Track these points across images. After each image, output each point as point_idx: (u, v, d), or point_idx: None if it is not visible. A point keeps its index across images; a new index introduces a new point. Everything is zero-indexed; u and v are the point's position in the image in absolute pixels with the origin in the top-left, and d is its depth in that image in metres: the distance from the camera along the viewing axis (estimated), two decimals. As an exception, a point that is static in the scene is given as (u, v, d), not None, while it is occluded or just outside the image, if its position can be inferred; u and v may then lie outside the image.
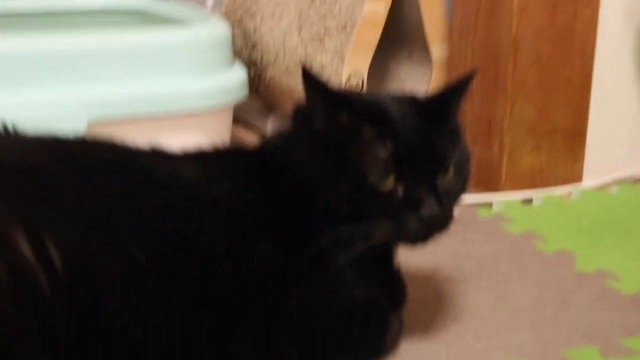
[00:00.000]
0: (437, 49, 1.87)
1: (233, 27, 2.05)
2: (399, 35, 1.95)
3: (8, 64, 1.52)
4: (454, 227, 1.54)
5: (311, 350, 1.02)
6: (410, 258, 1.39)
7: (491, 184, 1.76)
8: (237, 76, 1.78)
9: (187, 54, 1.69)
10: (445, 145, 1.03)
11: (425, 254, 1.42)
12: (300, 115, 1.08)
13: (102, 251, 0.90)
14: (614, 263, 1.42)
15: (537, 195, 1.73)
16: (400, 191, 1.01)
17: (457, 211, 1.63)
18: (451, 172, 1.04)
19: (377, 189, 1.00)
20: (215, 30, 1.76)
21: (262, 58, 2.01)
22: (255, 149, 1.12)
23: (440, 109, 1.06)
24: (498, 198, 1.71)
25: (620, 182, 1.83)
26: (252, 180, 1.05)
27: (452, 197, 1.05)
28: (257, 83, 2.03)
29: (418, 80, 1.94)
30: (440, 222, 1.03)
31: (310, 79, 1.00)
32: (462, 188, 1.06)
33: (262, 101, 2.09)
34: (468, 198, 1.70)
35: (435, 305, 1.27)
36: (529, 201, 1.72)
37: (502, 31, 1.70)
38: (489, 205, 1.69)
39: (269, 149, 1.10)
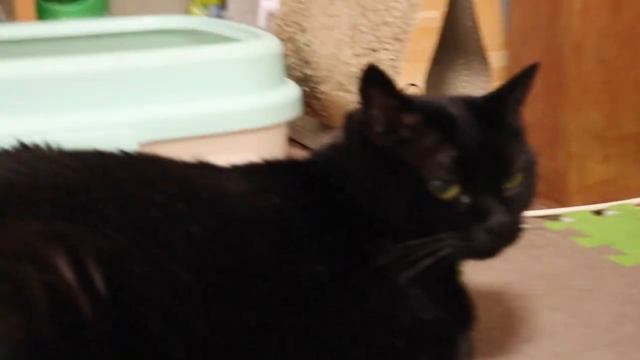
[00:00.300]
0: (496, 57, 1.78)
1: (285, 43, 1.99)
2: (455, 44, 1.87)
3: (59, 85, 1.49)
4: (522, 242, 1.47)
5: (374, 376, 0.94)
6: (477, 276, 1.30)
7: (559, 197, 1.66)
8: (289, 93, 1.73)
9: (238, 71, 1.64)
10: (511, 149, 0.95)
11: (494, 270, 1.35)
12: (353, 123, 1.01)
13: (144, 271, 0.84)
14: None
15: (610, 206, 1.63)
16: (465, 200, 0.93)
17: (525, 225, 1.55)
18: (518, 178, 0.96)
19: (440, 199, 0.93)
20: (266, 46, 1.71)
21: (315, 74, 1.95)
22: (306, 161, 1.05)
23: (499, 109, 0.98)
24: (567, 211, 1.61)
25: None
26: (303, 194, 0.98)
27: (521, 205, 0.97)
28: (312, 100, 1.97)
29: (476, 90, 1.85)
30: (509, 233, 0.95)
31: (377, 77, 0.93)
32: (530, 195, 0.98)
33: (317, 119, 2.03)
34: (535, 212, 1.61)
35: (507, 325, 1.18)
36: (600, 213, 1.62)
37: (564, 33, 1.61)
38: (558, 218, 1.59)
39: (320, 160, 1.03)
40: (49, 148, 0.96)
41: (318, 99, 1.95)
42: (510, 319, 1.20)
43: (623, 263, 1.38)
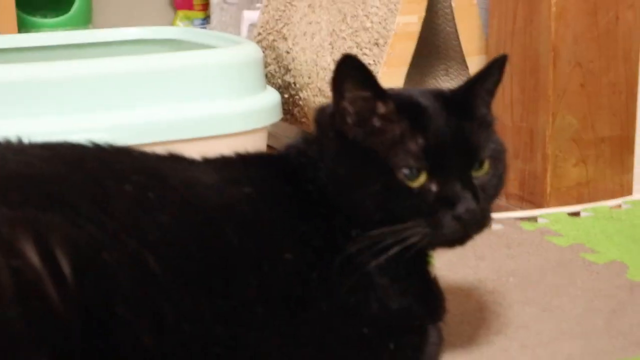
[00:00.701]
0: (475, 62, 1.80)
1: (266, 51, 2.01)
2: (434, 50, 1.89)
3: (36, 90, 1.50)
4: (497, 241, 1.49)
5: (343, 362, 0.95)
6: (451, 273, 1.32)
7: (535, 199, 1.68)
8: (269, 99, 1.74)
9: (218, 76, 1.66)
10: (479, 138, 0.97)
11: (467, 268, 1.37)
12: (324, 116, 1.02)
13: (114, 259, 0.85)
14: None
15: (585, 208, 1.65)
16: (433, 188, 0.94)
17: (500, 226, 1.56)
18: (486, 166, 0.97)
19: (409, 187, 0.94)
20: (246, 52, 1.72)
21: (295, 81, 1.97)
22: (277, 153, 1.07)
23: (469, 100, 0.99)
24: (543, 212, 1.63)
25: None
26: (274, 185, 0.99)
27: (489, 193, 0.98)
28: (292, 106, 1.98)
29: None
30: (478, 220, 0.95)
31: (354, 67, 0.94)
32: (499, 183, 0.99)
33: (297, 126, 2.05)
34: (511, 213, 1.63)
35: (478, 319, 1.19)
36: (576, 214, 1.64)
37: (541, 37, 1.63)
38: (534, 219, 1.61)
39: (291, 152, 1.04)
40: (20, 141, 0.96)
41: (298, 105, 1.97)
42: (481, 313, 1.21)
43: (595, 261, 1.40)
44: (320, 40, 1.89)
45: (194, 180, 0.96)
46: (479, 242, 1.45)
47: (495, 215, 1.55)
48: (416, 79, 1.88)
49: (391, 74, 1.74)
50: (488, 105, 1.02)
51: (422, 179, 0.94)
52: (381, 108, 0.96)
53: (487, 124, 1.00)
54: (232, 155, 1.05)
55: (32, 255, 0.81)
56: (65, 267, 0.82)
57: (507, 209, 1.67)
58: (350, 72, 0.95)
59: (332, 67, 1.80)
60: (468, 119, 0.98)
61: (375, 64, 1.74)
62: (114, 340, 0.83)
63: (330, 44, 1.86)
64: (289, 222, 0.96)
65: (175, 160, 1.01)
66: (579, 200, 1.68)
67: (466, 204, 0.94)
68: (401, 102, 0.97)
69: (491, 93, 1.02)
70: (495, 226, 1.56)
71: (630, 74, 1.67)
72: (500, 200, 1.65)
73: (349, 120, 0.97)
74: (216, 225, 0.92)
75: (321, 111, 1.04)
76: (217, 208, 0.93)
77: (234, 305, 0.89)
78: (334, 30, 1.85)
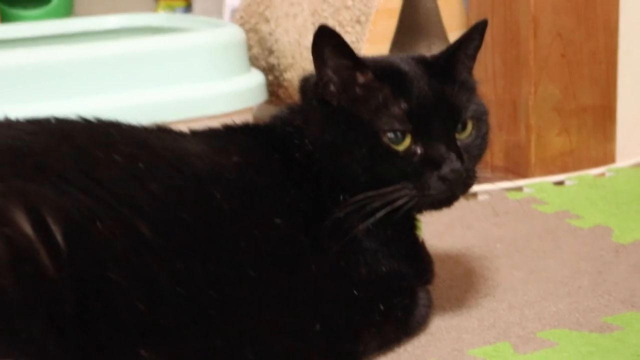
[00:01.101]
0: (457, 37, 1.81)
1: (248, 34, 2.02)
2: (416, 27, 1.90)
3: (18, 77, 1.51)
4: (483, 211, 1.50)
5: (334, 324, 0.96)
6: (439, 241, 1.34)
7: (520, 170, 1.70)
8: (253, 80, 1.75)
9: (202, 58, 1.66)
10: (460, 100, 0.98)
11: (455, 237, 1.38)
12: (308, 85, 1.04)
13: (105, 226, 0.86)
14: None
15: (568, 177, 1.67)
16: (418, 150, 0.96)
17: (486, 196, 1.58)
18: (469, 127, 0.99)
19: (394, 150, 0.96)
20: (228, 34, 1.73)
21: (279, 62, 1.98)
22: (264, 123, 1.08)
23: (450, 65, 1.01)
24: (529, 182, 1.65)
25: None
26: (262, 153, 1.00)
27: (473, 153, 1.00)
28: (277, 88, 1.99)
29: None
30: (463, 180, 0.97)
31: (329, 37, 0.96)
32: (482, 145, 1.01)
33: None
34: (497, 184, 1.64)
35: (467, 283, 1.21)
36: (560, 183, 1.65)
37: (521, 9, 1.64)
38: (519, 189, 1.63)
39: (278, 122, 1.06)
40: (7, 118, 0.97)
41: (283, 87, 1.98)
42: (470, 278, 1.23)
43: (580, 226, 1.41)
44: (303, 20, 1.90)
45: (182, 150, 0.97)
46: (466, 212, 1.49)
47: (481, 186, 1.58)
48: (399, 56, 1.89)
49: (373, 51, 1.74)
50: (470, 69, 1.04)
51: (407, 142, 0.96)
52: (360, 78, 0.98)
53: (468, 87, 1.02)
54: (219, 127, 1.06)
55: (24, 224, 0.82)
56: (58, 235, 0.83)
57: (492, 181, 1.68)
58: (329, 40, 0.97)
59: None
60: (450, 82, 1.00)
61: (358, 42, 1.75)
62: (108, 305, 0.84)
63: (313, 23, 1.87)
64: (278, 188, 0.98)
65: (163, 132, 1.02)
66: (564, 170, 1.70)
67: (451, 165, 0.95)
68: (381, 70, 0.99)
69: (472, 58, 1.04)
70: (481, 197, 1.58)
71: (609, 43, 1.69)
72: (486, 172, 1.66)
73: (333, 88, 0.99)
74: (206, 192, 0.93)
75: (305, 81, 1.06)
76: (206, 176, 0.94)
77: (225, 269, 0.91)
78: (315, 10, 1.86)
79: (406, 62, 1.02)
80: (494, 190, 1.61)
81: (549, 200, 1.55)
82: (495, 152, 1.72)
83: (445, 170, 0.95)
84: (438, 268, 1.15)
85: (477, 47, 1.04)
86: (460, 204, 1.50)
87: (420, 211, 1.03)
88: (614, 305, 1.11)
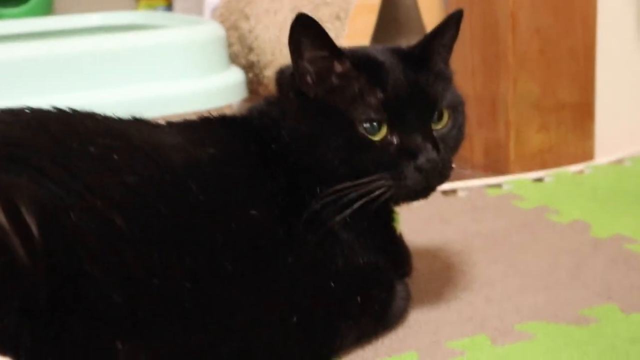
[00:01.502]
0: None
1: (228, 31, 2.01)
2: (395, 24, 1.91)
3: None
4: (462, 207, 1.50)
5: (311, 317, 0.95)
6: (418, 236, 1.34)
7: (500, 167, 1.70)
8: (233, 77, 1.75)
9: (182, 55, 1.66)
10: (436, 90, 0.98)
11: (434, 232, 1.38)
12: (285, 77, 1.04)
13: (80, 217, 0.85)
14: (630, 228, 1.36)
15: (547, 174, 1.67)
16: (394, 141, 0.96)
17: (465, 193, 1.58)
18: (445, 117, 0.99)
19: (370, 140, 0.95)
20: (208, 31, 1.73)
21: (259, 59, 1.97)
22: (241, 115, 1.07)
23: (425, 55, 1.01)
24: (508, 179, 1.65)
25: (634, 156, 1.76)
26: (239, 144, 1.00)
27: (450, 144, 1.00)
28: (257, 85, 1.99)
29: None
30: (439, 171, 0.97)
31: (306, 26, 0.96)
32: (458, 135, 1.01)
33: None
34: (477, 181, 1.65)
35: (445, 277, 1.21)
36: (540, 180, 1.66)
37: (499, 5, 1.65)
38: (499, 186, 1.63)
39: (254, 114, 1.05)
40: None
41: (263, 84, 1.98)
42: (448, 272, 1.23)
43: (559, 221, 1.42)
44: (283, 17, 1.90)
45: (158, 141, 0.96)
46: (444, 208, 1.49)
47: (460, 183, 1.58)
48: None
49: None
50: (446, 60, 1.04)
51: (383, 132, 0.96)
52: (338, 67, 0.98)
53: (444, 77, 1.02)
54: (195, 119, 1.06)
55: None
56: (32, 225, 0.82)
57: (472, 177, 1.68)
58: (307, 30, 0.96)
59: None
60: (425, 72, 1.00)
61: (337, 38, 1.75)
62: (84, 297, 0.84)
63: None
64: (254, 180, 0.97)
65: (139, 123, 1.01)
66: (543, 167, 1.70)
67: (427, 155, 0.95)
68: (358, 59, 0.99)
69: (449, 48, 1.04)
70: (461, 193, 1.58)
71: (587, 40, 1.70)
72: (466, 169, 1.67)
73: (309, 79, 0.99)
74: (182, 184, 0.92)
75: (281, 72, 1.05)
76: (182, 167, 0.94)
77: (202, 261, 0.90)
78: (296, 6, 1.86)
79: (382, 53, 1.02)
80: (473, 186, 1.62)
81: (528, 196, 1.55)
82: (474, 149, 1.72)
83: (422, 160, 0.95)
84: (416, 262, 1.15)
85: (453, 37, 1.04)
86: (439, 200, 1.52)
87: (397, 202, 1.03)
88: (590, 298, 1.11)
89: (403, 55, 1.01)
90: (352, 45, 1.71)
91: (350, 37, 1.74)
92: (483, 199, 1.55)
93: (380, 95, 0.96)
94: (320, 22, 1.76)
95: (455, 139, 1.00)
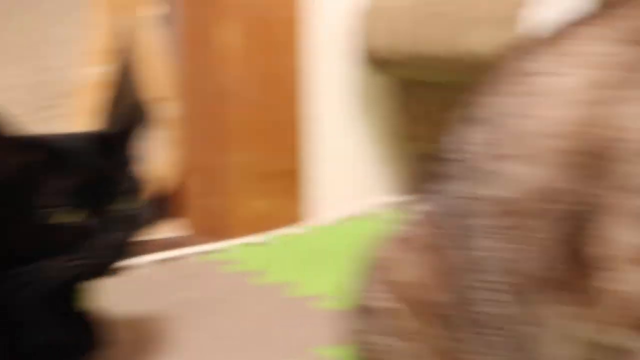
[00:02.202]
0: (170, 108, 1.91)
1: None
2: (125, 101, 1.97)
3: None
4: (165, 275, 1.59)
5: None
6: (120, 306, 1.40)
7: (219, 233, 1.81)
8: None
9: None
10: (118, 173, 1.05)
11: (135, 302, 1.45)
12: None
13: None
14: (329, 287, 1.48)
15: (263, 238, 1.80)
16: (73, 223, 1.01)
17: (178, 260, 1.67)
18: (126, 199, 1.05)
19: (50, 224, 1.00)
20: None
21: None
22: None
23: (115, 138, 1.08)
24: (227, 245, 1.76)
25: (344, 219, 1.92)
26: None
27: (131, 224, 1.05)
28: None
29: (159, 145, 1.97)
30: (117, 250, 1.03)
31: None
32: (139, 214, 1.07)
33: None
34: (194, 248, 1.74)
35: (146, 345, 1.29)
36: (256, 244, 1.78)
37: (215, 81, 1.78)
38: (212, 252, 1.74)
39: None
40: None
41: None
42: (150, 340, 1.30)
43: (263, 283, 1.54)
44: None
45: None
46: (145, 277, 1.57)
47: (174, 252, 1.68)
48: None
49: (80, 125, 1.80)
50: (130, 144, 1.10)
51: (65, 215, 1.01)
52: (13, 159, 1.00)
53: (129, 160, 1.08)
54: None
55: None
56: None
57: (189, 244, 1.78)
58: None
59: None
60: (108, 157, 1.05)
61: (62, 116, 1.80)
62: None
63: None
64: None
65: None
66: (261, 230, 1.82)
67: (105, 235, 1.01)
68: (36, 147, 1.02)
69: (141, 132, 1.11)
70: (172, 262, 1.67)
71: (294, 113, 1.85)
72: (182, 237, 1.77)
73: None
74: None
75: None
76: None
77: None
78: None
79: (67, 139, 1.07)
80: (184, 255, 1.71)
81: (239, 260, 1.67)
82: (192, 216, 1.83)
83: (99, 241, 1.01)
84: (117, 333, 1.21)
85: (145, 124, 1.12)
86: (142, 272, 1.60)
87: (76, 282, 1.08)
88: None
89: (92, 140, 1.07)
90: (80, 122, 1.77)
91: (78, 114, 1.80)
92: (193, 266, 1.65)
93: (62, 181, 1.01)
94: (44, 100, 1.82)
95: (136, 218, 1.06)
